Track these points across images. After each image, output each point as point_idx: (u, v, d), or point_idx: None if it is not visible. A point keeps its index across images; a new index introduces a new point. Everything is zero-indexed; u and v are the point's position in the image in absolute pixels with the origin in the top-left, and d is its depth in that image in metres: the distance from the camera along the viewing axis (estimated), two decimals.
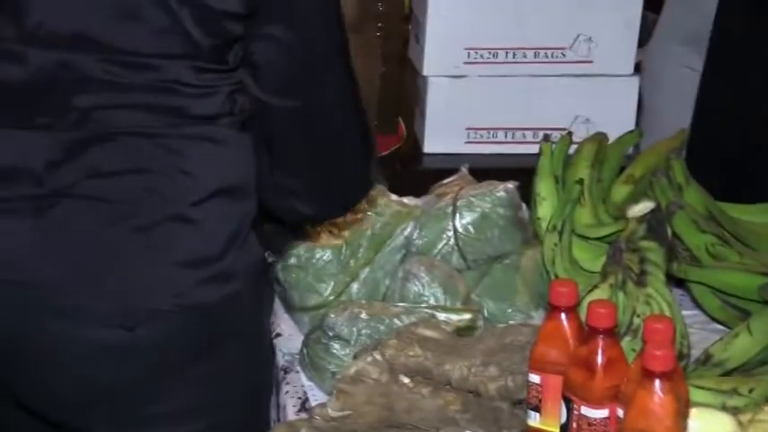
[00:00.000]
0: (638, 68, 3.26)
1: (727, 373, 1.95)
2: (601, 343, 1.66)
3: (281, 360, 2.14)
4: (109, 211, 1.68)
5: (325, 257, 2.13)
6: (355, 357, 1.88)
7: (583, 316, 1.73)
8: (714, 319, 2.21)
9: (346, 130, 1.83)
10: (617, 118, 3.00)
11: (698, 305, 2.22)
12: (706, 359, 1.96)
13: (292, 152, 1.80)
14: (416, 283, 2.08)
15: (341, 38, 1.75)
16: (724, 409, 1.78)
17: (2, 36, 1.64)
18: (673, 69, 3.62)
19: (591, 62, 3.03)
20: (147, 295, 1.69)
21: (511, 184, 2.21)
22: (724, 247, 2.19)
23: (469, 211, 2.16)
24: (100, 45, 1.62)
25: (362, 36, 2.60)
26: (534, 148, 2.93)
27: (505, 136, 3.02)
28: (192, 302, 1.70)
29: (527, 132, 3.02)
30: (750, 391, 1.85)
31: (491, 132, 3.00)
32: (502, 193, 2.18)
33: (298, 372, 2.07)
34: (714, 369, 1.94)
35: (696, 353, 1.99)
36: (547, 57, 3.02)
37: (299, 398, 2.02)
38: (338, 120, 1.82)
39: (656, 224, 2.10)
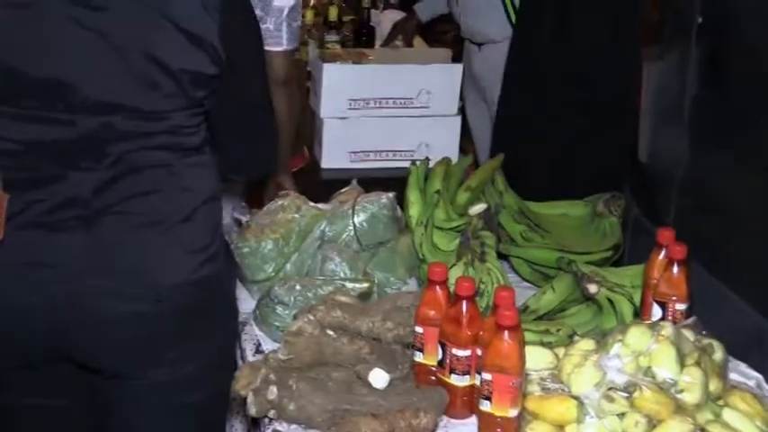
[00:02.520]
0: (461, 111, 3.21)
1: (539, 318, 1.97)
2: (465, 306, 1.65)
3: (240, 316, 2.09)
4: (137, 222, 1.65)
5: (268, 247, 2.09)
6: (295, 318, 1.82)
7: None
8: (526, 281, 2.22)
9: (269, 122, 1.90)
10: (446, 143, 3.01)
11: (515, 271, 2.24)
12: (524, 309, 1.97)
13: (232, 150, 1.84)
14: (331, 262, 2.05)
15: (265, 86, 1.87)
16: (542, 344, 1.78)
17: (51, 108, 1.57)
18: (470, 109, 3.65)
19: (429, 107, 3.01)
20: (169, 276, 1.68)
21: (391, 194, 2.20)
22: (532, 232, 2.22)
23: (363, 213, 2.13)
24: (130, 109, 1.58)
25: (288, 88, 2.55)
26: (394, 164, 2.98)
27: (375, 156, 2.98)
28: (197, 278, 1.70)
29: (389, 153, 2.99)
30: (558, 330, 1.88)
31: (366, 154, 2.97)
32: (385, 200, 2.16)
33: (251, 325, 2.04)
34: (530, 315, 1.96)
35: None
36: (401, 104, 3.00)
37: (254, 344, 1.98)
38: (266, 118, 1.89)
39: (488, 219, 2.12)
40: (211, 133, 1.74)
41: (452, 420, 1.67)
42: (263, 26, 2.40)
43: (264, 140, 1.89)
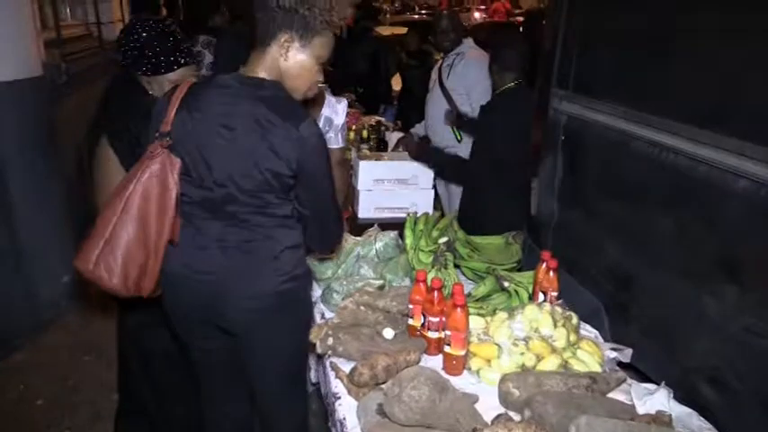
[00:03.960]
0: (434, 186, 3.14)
1: (476, 301, 1.92)
2: (436, 293, 1.62)
3: (312, 298, 2.02)
4: (247, 255, 1.56)
5: (328, 260, 2.05)
6: (343, 299, 1.81)
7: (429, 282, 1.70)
8: (469, 279, 2.14)
9: (333, 219, 1.65)
10: (426, 204, 2.95)
11: (463, 274, 2.16)
12: (468, 295, 1.91)
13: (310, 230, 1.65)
14: (362, 269, 2.03)
15: (331, 181, 1.58)
16: (478, 315, 1.76)
17: (204, 180, 1.53)
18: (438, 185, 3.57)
19: (417, 184, 2.96)
20: (264, 287, 1.57)
21: (395, 232, 2.17)
22: (473, 253, 2.16)
23: (381, 241, 2.11)
24: (239, 186, 1.50)
25: (342, 167, 2.58)
26: (398, 215, 2.88)
27: (388, 211, 2.92)
28: (281, 289, 1.57)
29: (395, 209, 2.92)
30: (487, 307, 1.84)
31: (384, 210, 2.92)
32: (392, 235, 2.15)
33: (320, 303, 1.98)
34: (472, 299, 1.91)
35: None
36: (402, 182, 2.95)
37: (321, 313, 1.94)
38: (330, 216, 1.63)
39: (449, 246, 2.09)
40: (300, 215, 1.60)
41: (428, 357, 1.65)
42: (328, 135, 2.42)
43: (331, 226, 1.65)
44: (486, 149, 2.77)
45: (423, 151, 3.00)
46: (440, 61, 3.68)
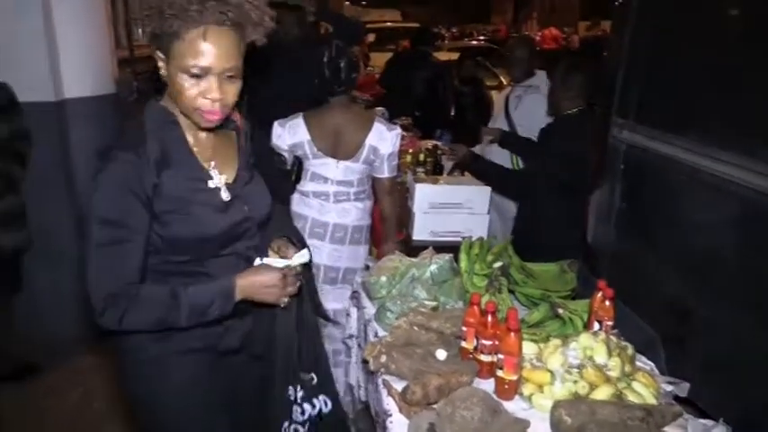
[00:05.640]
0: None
1: (530, 326, 1.92)
2: (490, 317, 1.64)
3: (366, 316, 2.08)
4: None
5: (383, 279, 2.09)
6: (397, 319, 1.85)
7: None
8: (523, 305, 2.15)
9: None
10: (481, 228, 2.98)
11: (517, 300, 2.17)
12: (522, 321, 1.91)
13: None
14: (416, 290, 2.05)
15: (95, 239, 1.37)
16: (532, 341, 1.76)
17: None
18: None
19: (471, 208, 2.99)
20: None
21: (450, 255, 2.17)
22: (527, 279, 2.16)
23: (435, 264, 2.11)
24: None
25: (391, 196, 2.57)
26: (453, 238, 2.91)
27: (443, 234, 2.97)
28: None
29: (450, 233, 2.96)
30: (540, 334, 1.84)
31: (438, 233, 2.96)
32: (447, 258, 2.14)
33: (373, 321, 2.02)
34: (525, 325, 1.91)
35: None
36: (457, 206, 2.99)
37: (374, 332, 1.98)
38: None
39: (503, 271, 2.09)
40: None
41: (480, 381, 1.66)
42: (375, 165, 2.46)
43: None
44: (543, 172, 2.78)
45: (475, 160, 3.00)
46: (508, 89, 3.69)
